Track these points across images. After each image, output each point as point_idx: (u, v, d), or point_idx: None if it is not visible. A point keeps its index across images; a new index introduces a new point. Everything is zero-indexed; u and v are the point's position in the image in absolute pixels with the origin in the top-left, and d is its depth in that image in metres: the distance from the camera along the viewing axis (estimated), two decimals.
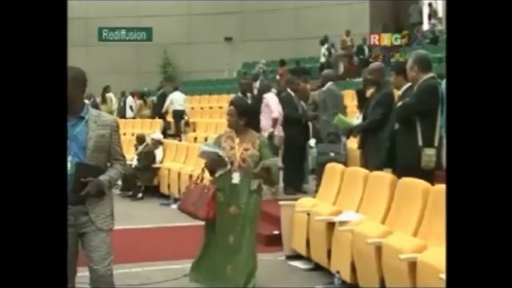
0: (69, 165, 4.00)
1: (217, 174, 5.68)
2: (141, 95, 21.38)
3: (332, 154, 8.94)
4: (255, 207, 5.73)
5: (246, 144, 5.66)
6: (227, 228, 5.65)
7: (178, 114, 19.14)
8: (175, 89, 20.33)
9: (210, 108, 21.47)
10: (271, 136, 9.78)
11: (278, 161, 5.76)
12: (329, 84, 9.76)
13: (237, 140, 5.68)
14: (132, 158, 12.81)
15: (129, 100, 22.07)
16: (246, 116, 5.72)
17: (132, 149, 13.69)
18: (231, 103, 5.87)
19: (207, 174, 5.92)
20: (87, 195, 4.10)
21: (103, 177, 4.17)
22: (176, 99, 19.34)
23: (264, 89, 10.90)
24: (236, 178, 5.61)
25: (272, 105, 10.18)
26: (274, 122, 10.11)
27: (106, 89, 22.15)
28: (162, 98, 19.77)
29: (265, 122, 10.13)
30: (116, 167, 4.31)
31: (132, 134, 16.26)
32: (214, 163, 5.65)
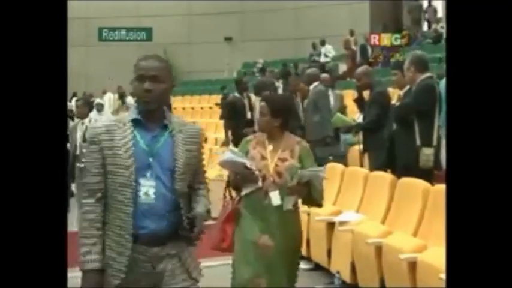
0: (151, 192, 3.01)
1: (243, 193, 4.30)
2: (120, 95, 21.41)
3: (331, 157, 8.71)
4: (293, 235, 4.33)
5: (281, 153, 4.25)
6: (258, 267, 4.19)
7: None
8: None
9: (210, 108, 21.46)
10: None
11: (322, 171, 4.24)
12: (316, 83, 9.21)
13: (269, 147, 4.28)
14: None
15: (130, 100, 22.13)
16: (281, 116, 4.32)
17: None
18: (263, 99, 4.50)
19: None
20: (197, 237, 3.07)
21: (202, 209, 3.10)
22: None
23: (269, 87, 9.93)
24: (270, 198, 4.19)
25: None
26: None
27: (120, 90, 22.29)
28: None
29: None
30: (204, 193, 3.19)
31: None
32: (240, 177, 4.26)
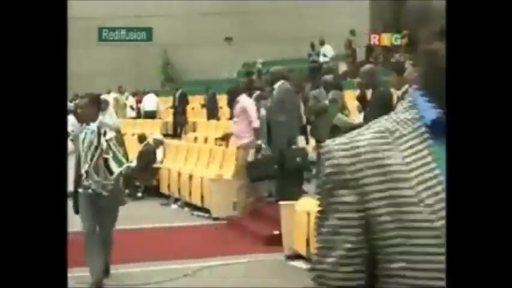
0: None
1: None
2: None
3: (298, 159, 8.43)
4: None
5: None
6: None
7: (149, 115, 20.01)
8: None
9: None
10: (259, 149, 9.01)
11: None
12: (281, 82, 8.93)
13: None
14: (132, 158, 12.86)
15: (130, 100, 22.21)
16: None
17: (134, 149, 13.72)
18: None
19: None
20: None
21: None
22: (147, 100, 20.20)
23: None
24: None
25: (252, 112, 9.31)
26: (257, 132, 9.26)
27: (120, 89, 22.44)
28: (181, 98, 20.00)
29: (240, 128, 9.34)
30: None
31: (133, 134, 16.28)
32: None
